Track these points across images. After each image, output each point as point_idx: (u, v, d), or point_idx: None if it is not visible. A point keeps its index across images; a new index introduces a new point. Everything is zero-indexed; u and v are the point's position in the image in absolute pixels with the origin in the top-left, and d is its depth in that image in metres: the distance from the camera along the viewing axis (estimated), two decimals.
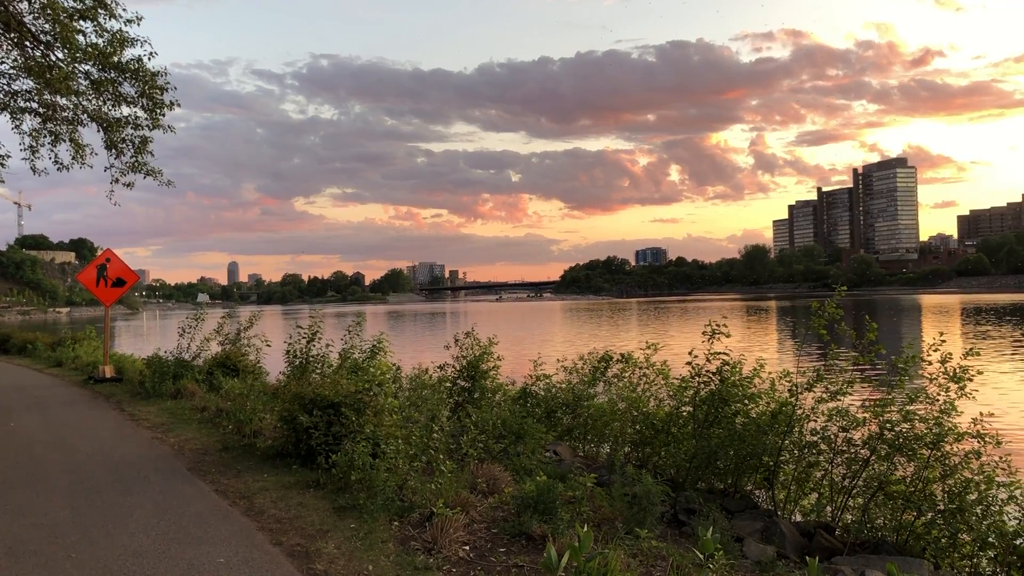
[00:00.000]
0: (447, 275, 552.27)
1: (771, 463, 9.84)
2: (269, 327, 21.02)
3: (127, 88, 15.88)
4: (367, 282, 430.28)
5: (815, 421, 9.57)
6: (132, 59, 15.36)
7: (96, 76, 15.54)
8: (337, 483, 8.85)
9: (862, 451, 9.06)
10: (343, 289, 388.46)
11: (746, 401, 10.06)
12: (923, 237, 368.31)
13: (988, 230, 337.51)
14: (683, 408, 10.85)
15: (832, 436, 9.34)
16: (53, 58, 14.75)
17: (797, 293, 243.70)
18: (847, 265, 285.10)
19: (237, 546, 7.16)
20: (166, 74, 15.81)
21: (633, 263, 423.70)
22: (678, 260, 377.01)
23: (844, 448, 9.27)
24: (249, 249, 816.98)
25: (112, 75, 15.50)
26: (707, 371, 10.18)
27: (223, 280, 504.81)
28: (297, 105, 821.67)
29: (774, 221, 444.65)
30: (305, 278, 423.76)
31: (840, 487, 9.38)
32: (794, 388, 9.71)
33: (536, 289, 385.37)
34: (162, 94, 15.98)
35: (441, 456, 8.84)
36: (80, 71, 15.26)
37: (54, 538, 7.48)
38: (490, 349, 14.21)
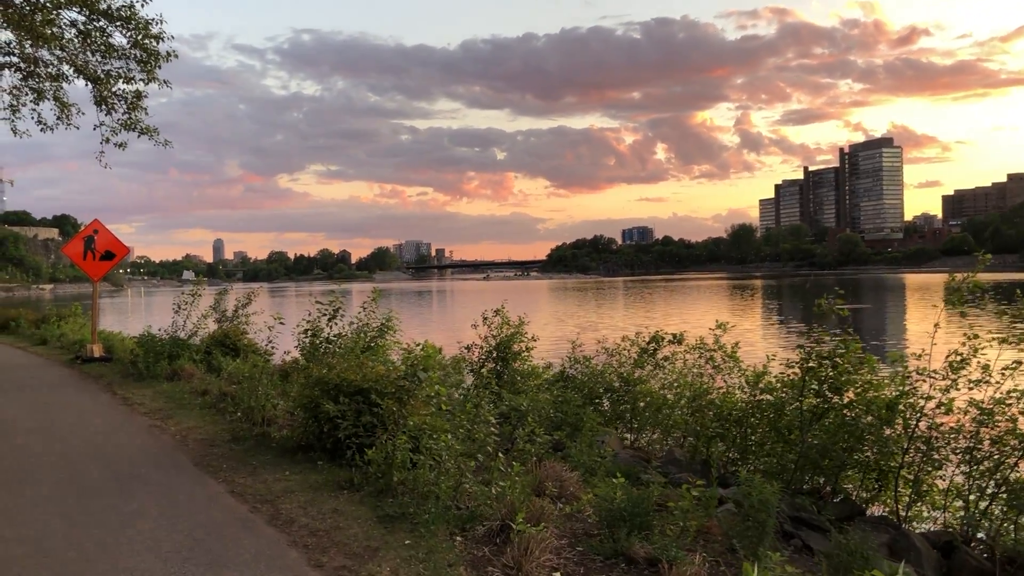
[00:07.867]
0: (433, 253, 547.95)
1: (888, 463, 8.47)
2: (260, 305, 19.69)
3: (118, 38, 14.27)
4: (353, 260, 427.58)
5: (945, 416, 8.23)
6: (123, 5, 13.75)
7: (83, 25, 13.96)
8: (376, 484, 7.53)
9: (1006, 451, 7.74)
10: (329, 267, 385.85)
11: (859, 390, 8.65)
12: (908, 217, 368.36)
13: (972, 210, 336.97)
14: (761, 396, 9.49)
15: (968, 433, 8.01)
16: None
17: (784, 272, 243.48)
18: (833, 244, 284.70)
19: (268, 568, 5.83)
20: (161, 22, 14.12)
21: (620, 242, 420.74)
22: (665, 239, 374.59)
23: (979, 447, 7.95)
24: (233, 226, 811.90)
25: (101, 23, 13.88)
26: (818, 354, 8.76)
27: (208, 257, 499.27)
28: (279, 81, 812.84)
29: (760, 200, 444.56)
30: (291, 256, 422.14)
31: (975, 493, 8.06)
32: (919, 374, 8.32)
33: (523, 268, 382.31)
34: (157, 43, 14.32)
35: (500, 455, 7.50)
36: (65, 19, 13.69)
37: (43, 555, 6.15)
38: (522, 329, 12.99)
